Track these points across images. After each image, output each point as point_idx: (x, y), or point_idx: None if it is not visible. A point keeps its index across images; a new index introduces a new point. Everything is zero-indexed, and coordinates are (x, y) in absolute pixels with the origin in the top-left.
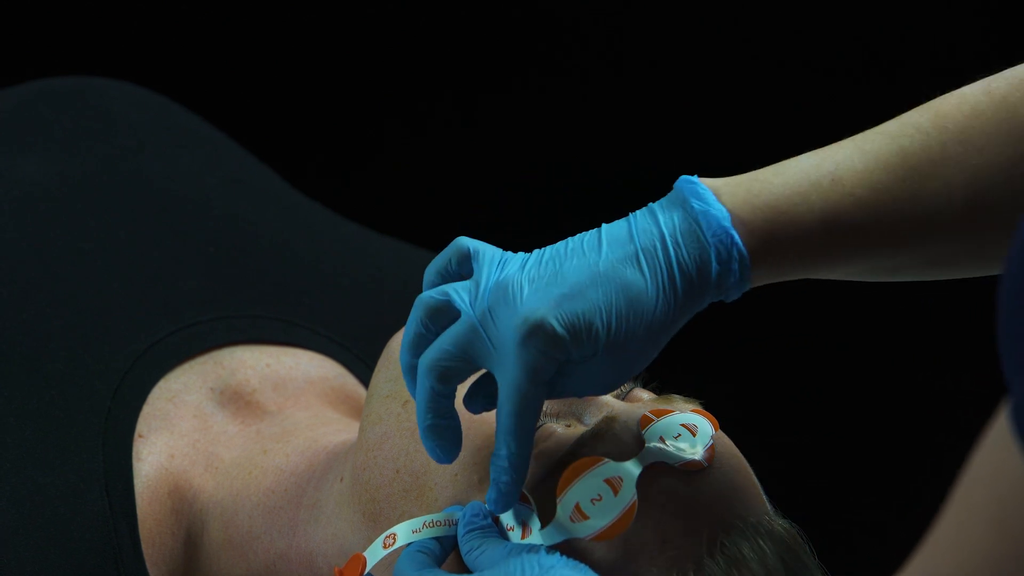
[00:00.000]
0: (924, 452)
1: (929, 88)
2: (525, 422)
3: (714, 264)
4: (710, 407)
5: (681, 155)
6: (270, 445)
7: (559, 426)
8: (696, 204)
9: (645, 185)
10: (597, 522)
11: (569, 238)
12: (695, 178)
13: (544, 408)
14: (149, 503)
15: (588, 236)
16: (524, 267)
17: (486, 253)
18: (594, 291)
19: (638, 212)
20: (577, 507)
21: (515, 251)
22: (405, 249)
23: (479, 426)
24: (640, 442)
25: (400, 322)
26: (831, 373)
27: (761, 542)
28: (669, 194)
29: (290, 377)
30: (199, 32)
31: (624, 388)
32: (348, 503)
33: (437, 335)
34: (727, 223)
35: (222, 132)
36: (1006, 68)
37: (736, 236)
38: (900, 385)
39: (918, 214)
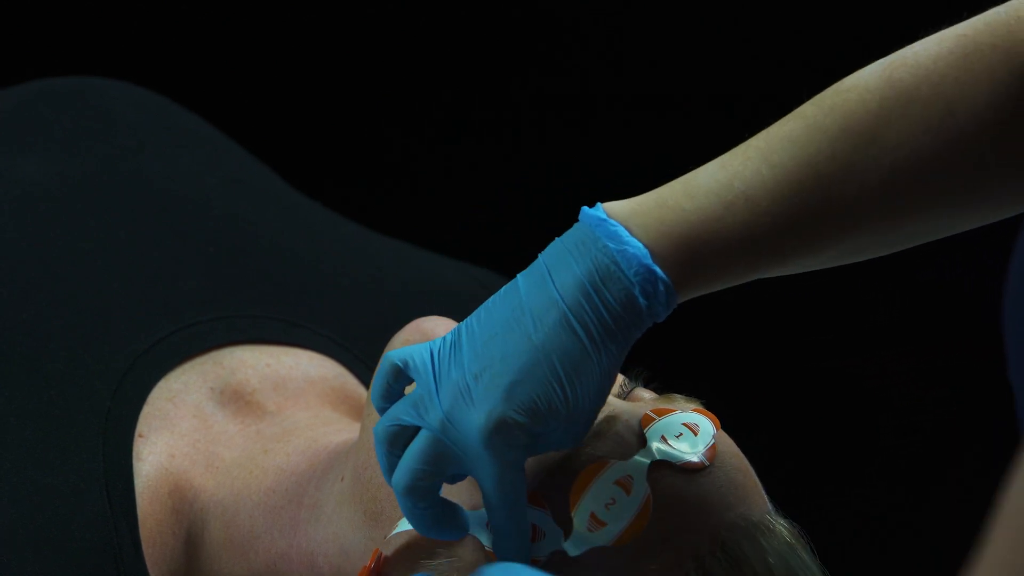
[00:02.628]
0: (925, 452)
1: None
2: (518, 504)
3: (641, 300)
4: (711, 406)
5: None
6: (271, 445)
7: None
8: (612, 245)
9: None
10: (616, 526)
11: (488, 302)
12: (601, 210)
13: None
14: (149, 503)
15: (509, 300)
16: (461, 360)
17: (416, 360)
18: (539, 369)
19: (549, 257)
20: (593, 516)
21: (516, 250)
22: (405, 249)
23: None
24: (642, 441)
25: (400, 322)
26: (832, 373)
27: (762, 541)
28: (576, 231)
29: (290, 377)
30: (199, 32)
31: (626, 387)
32: (349, 502)
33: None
34: (647, 260)
35: (222, 132)
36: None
37: (658, 270)
38: (902, 385)
39: (835, 220)
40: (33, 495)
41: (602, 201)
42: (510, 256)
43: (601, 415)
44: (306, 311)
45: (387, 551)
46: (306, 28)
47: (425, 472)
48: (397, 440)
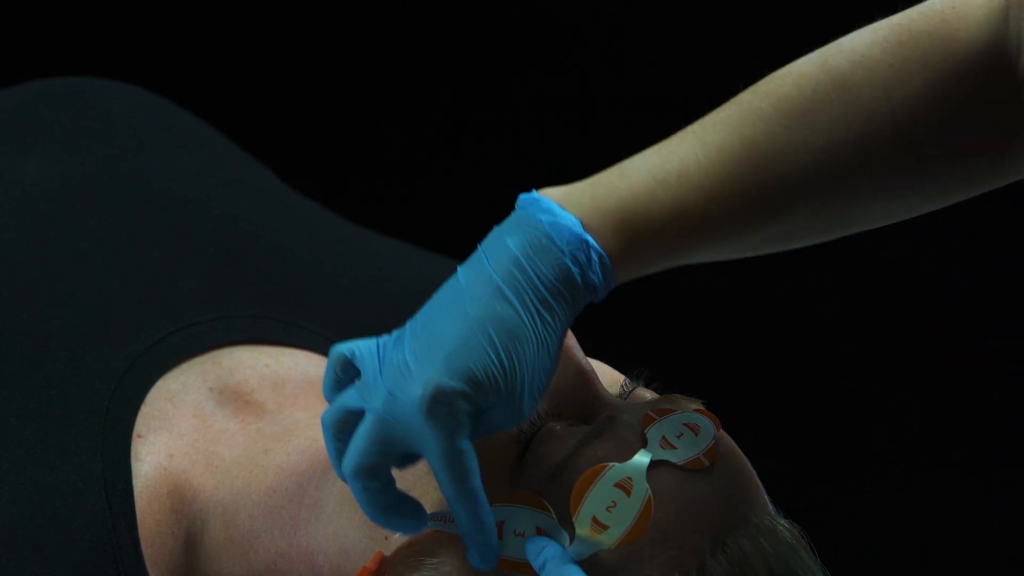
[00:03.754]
0: (926, 452)
1: None
2: (469, 482)
3: (575, 270)
4: (712, 407)
5: None
6: (271, 444)
7: (561, 426)
8: (543, 218)
9: None
10: (618, 529)
11: (434, 295)
12: (535, 193)
13: (546, 408)
14: (148, 503)
15: (449, 286)
16: (403, 344)
17: (362, 350)
18: (474, 338)
19: (486, 242)
20: (595, 520)
21: None
22: (405, 249)
23: None
24: (643, 441)
25: (400, 322)
26: (833, 373)
27: (763, 542)
28: (512, 215)
29: (289, 377)
30: (199, 33)
31: (626, 388)
32: (350, 502)
33: None
34: (578, 229)
35: (222, 133)
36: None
37: (591, 240)
38: (902, 385)
39: (768, 199)
40: (33, 495)
41: None
42: None
43: (601, 415)
44: (306, 311)
45: (388, 551)
46: (305, 28)
47: (372, 452)
48: (345, 427)
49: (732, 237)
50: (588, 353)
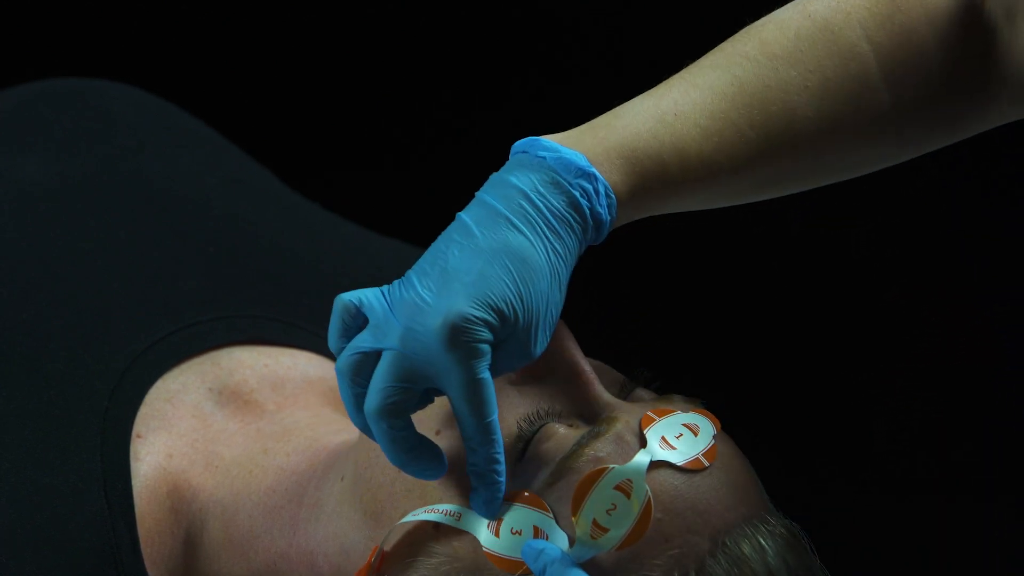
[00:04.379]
0: (926, 452)
1: None
2: (488, 415)
3: (583, 203)
4: (712, 407)
5: None
6: (270, 444)
7: (561, 426)
8: (547, 155)
9: None
10: (618, 531)
11: (432, 245)
12: (533, 138)
13: (545, 407)
14: (148, 503)
15: (453, 229)
16: (412, 284)
17: (368, 296)
18: (490, 268)
19: (485, 187)
20: (595, 523)
21: None
22: (405, 249)
23: None
24: (642, 442)
25: None
26: (833, 373)
27: (762, 541)
28: (510, 161)
29: (288, 377)
30: (199, 33)
31: (626, 388)
32: (349, 502)
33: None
34: (584, 162)
35: (221, 133)
36: None
37: (596, 172)
38: (903, 384)
39: (760, 138)
40: (32, 495)
41: None
42: None
43: (601, 416)
44: (305, 311)
45: (387, 547)
46: (305, 29)
47: (395, 388)
48: (361, 370)
49: (727, 175)
50: (588, 353)
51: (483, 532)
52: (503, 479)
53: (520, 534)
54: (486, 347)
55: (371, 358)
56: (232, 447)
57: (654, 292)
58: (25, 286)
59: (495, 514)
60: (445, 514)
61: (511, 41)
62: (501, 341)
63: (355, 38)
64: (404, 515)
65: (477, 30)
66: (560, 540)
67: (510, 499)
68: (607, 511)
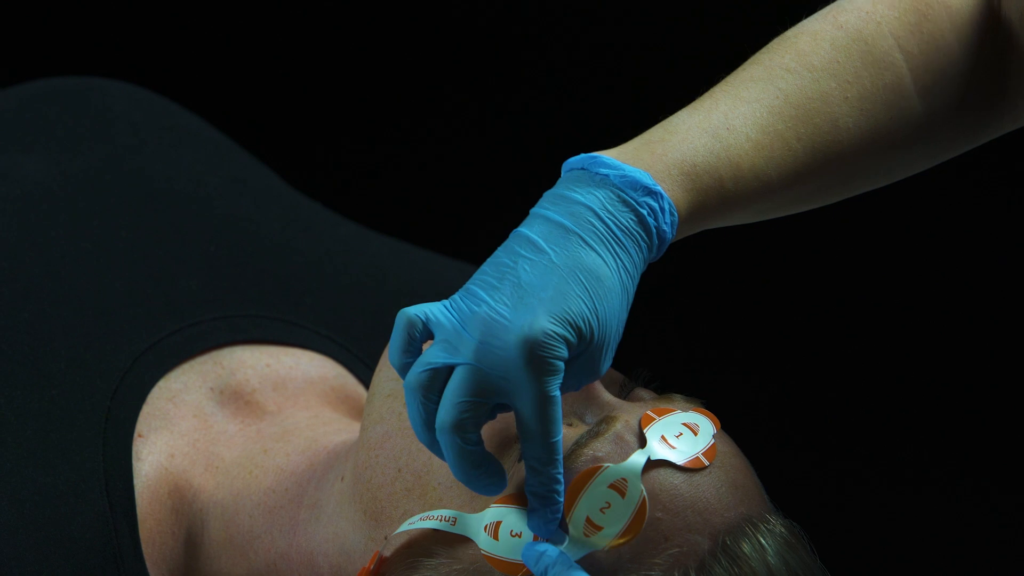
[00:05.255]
0: (926, 451)
1: None
2: (554, 434)
3: (650, 221)
4: (712, 406)
5: None
6: (271, 444)
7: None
8: (611, 173)
9: None
10: (611, 530)
11: (492, 259)
12: (591, 155)
13: None
14: (149, 503)
15: (517, 244)
16: (480, 299)
17: (434, 311)
18: (566, 285)
19: (545, 202)
20: (588, 521)
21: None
22: (405, 249)
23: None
24: (641, 441)
25: None
26: (833, 373)
27: (762, 541)
28: (567, 177)
29: (290, 377)
30: (199, 33)
31: (626, 387)
32: (349, 502)
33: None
34: (648, 180)
35: (222, 133)
36: None
37: (660, 189)
38: (902, 384)
39: (807, 150)
40: (34, 495)
41: None
42: None
43: (601, 415)
44: (307, 311)
45: (386, 552)
46: (306, 28)
47: (469, 404)
48: (432, 385)
49: (777, 189)
50: None
51: (481, 536)
52: (563, 500)
53: (519, 536)
54: (561, 364)
55: (442, 374)
56: (233, 448)
57: (654, 292)
58: (26, 285)
59: (551, 534)
60: (441, 520)
61: (511, 39)
62: (573, 359)
63: (356, 38)
64: (404, 515)
65: (476, 28)
66: (558, 539)
67: (508, 501)
68: (601, 509)
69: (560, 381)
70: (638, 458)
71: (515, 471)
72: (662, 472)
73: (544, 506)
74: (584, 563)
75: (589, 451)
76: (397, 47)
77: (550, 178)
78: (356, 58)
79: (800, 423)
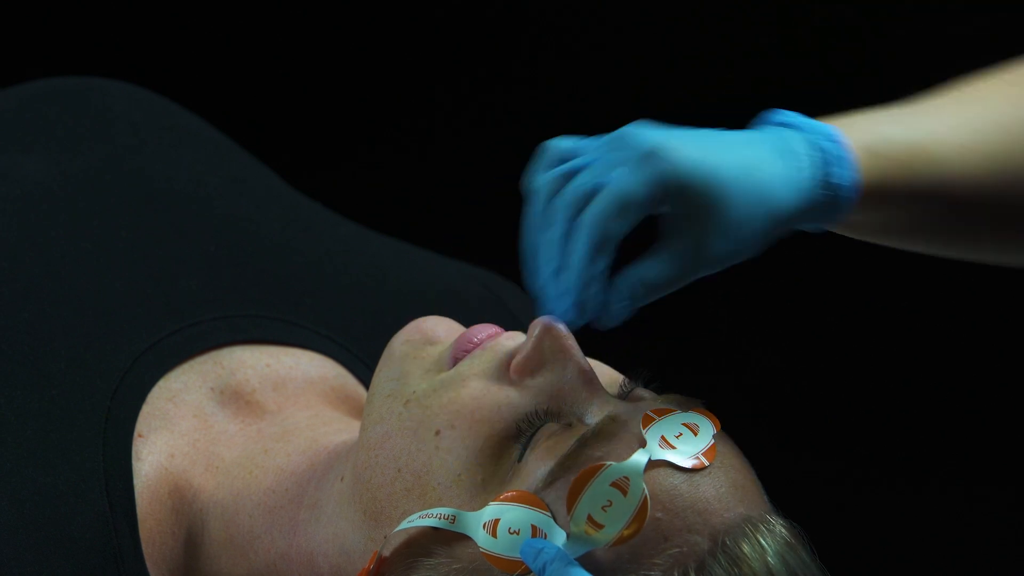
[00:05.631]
0: (926, 451)
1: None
2: (611, 228)
3: (840, 172)
4: (712, 407)
5: None
6: (271, 444)
7: (560, 426)
8: (823, 138)
9: None
10: (613, 528)
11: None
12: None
13: (544, 407)
14: (149, 503)
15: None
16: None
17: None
18: (728, 153)
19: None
20: (590, 519)
21: (516, 249)
22: (405, 249)
23: (479, 425)
24: (641, 441)
25: (400, 322)
26: (833, 373)
27: (762, 541)
28: (787, 129)
29: (290, 377)
30: (199, 33)
31: (626, 387)
32: (349, 502)
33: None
34: (837, 133)
35: (222, 132)
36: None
37: (852, 156)
38: (902, 385)
39: (1010, 164)
40: (34, 495)
41: None
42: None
43: (601, 414)
44: (307, 311)
45: (386, 552)
46: (305, 28)
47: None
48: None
49: (962, 196)
50: (588, 353)
51: (480, 534)
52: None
53: (518, 534)
54: (663, 190)
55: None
56: (232, 448)
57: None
58: (26, 285)
59: (581, 320)
60: (440, 518)
61: (509, 38)
62: (683, 219)
63: (355, 38)
64: (403, 515)
65: (475, 27)
66: (558, 539)
67: (508, 499)
68: (602, 507)
69: (657, 196)
70: (639, 457)
71: (515, 471)
72: (662, 472)
73: (580, 278)
74: (582, 562)
75: (589, 451)
76: (397, 47)
77: None
78: (356, 58)
79: (800, 423)
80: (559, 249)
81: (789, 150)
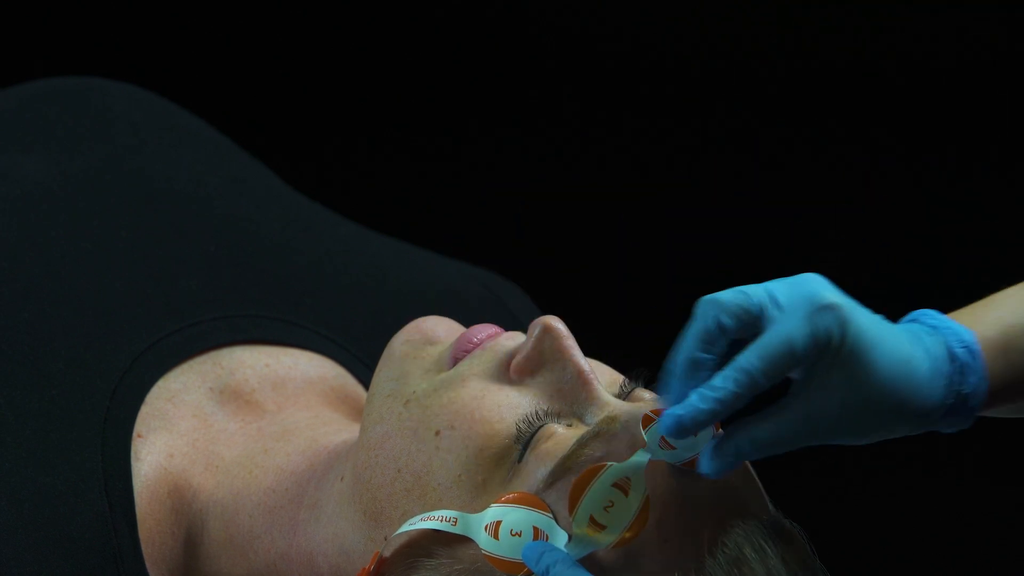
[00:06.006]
0: (926, 452)
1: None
2: (767, 369)
3: (973, 381)
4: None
5: (680, 154)
6: (271, 444)
7: (560, 426)
8: (938, 324)
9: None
10: (615, 528)
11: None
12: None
13: (544, 408)
14: (148, 503)
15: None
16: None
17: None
18: (891, 336)
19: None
20: (592, 520)
21: (516, 251)
22: (405, 249)
23: (479, 425)
24: (642, 441)
25: (400, 322)
26: None
27: (762, 542)
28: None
29: (289, 377)
30: (199, 33)
31: (625, 388)
32: (349, 502)
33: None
34: (971, 337)
35: (222, 133)
36: None
37: (979, 348)
38: None
39: None
40: (33, 495)
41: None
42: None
43: (601, 415)
44: (306, 311)
45: (386, 552)
46: (306, 29)
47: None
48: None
49: None
50: (588, 353)
51: (481, 535)
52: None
53: (520, 535)
54: (827, 343)
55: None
56: (232, 447)
57: (654, 292)
58: (26, 285)
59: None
60: (442, 520)
61: (510, 41)
62: (824, 375)
63: (355, 38)
64: (403, 515)
65: (475, 32)
66: (560, 540)
67: (509, 500)
68: (604, 508)
69: (819, 347)
70: (640, 458)
71: (515, 471)
72: (662, 473)
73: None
74: (584, 563)
75: (589, 451)
76: (397, 47)
77: (550, 178)
78: (356, 58)
79: None
80: (700, 344)
81: (935, 354)
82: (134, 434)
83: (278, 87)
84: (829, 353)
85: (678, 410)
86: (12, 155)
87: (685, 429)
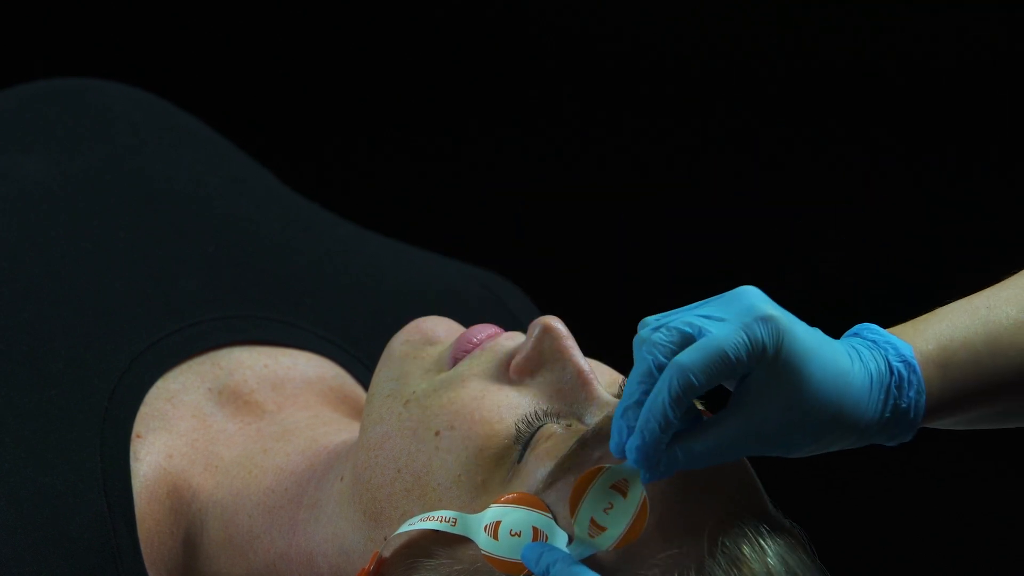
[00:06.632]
0: (926, 452)
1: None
2: (703, 368)
3: (910, 395)
4: (712, 407)
5: (681, 154)
6: (270, 444)
7: (559, 426)
8: (878, 338)
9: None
10: (615, 530)
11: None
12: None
13: (544, 408)
14: (148, 503)
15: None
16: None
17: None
18: (827, 346)
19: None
20: (593, 522)
21: (515, 251)
22: (404, 249)
23: (479, 425)
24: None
25: (400, 322)
26: None
27: (762, 542)
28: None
29: (288, 377)
30: (199, 33)
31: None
32: (349, 503)
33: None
34: (909, 352)
35: (222, 134)
36: None
37: (917, 364)
38: None
39: None
40: (32, 495)
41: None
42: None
43: (600, 415)
44: (306, 311)
45: (386, 552)
46: (306, 30)
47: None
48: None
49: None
50: (588, 353)
51: (481, 536)
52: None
53: (519, 536)
54: (761, 353)
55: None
56: (232, 447)
57: (654, 292)
58: (26, 285)
59: (653, 473)
60: (441, 520)
61: (509, 42)
62: (763, 386)
63: (355, 38)
64: (403, 516)
65: (475, 32)
66: (560, 540)
67: (509, 501)
68: (604, 509)
69: (751, 360)
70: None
71: (514, 472)
72: None
73: (650, 420)
74: (584, 563)
75: (589, 451)
76: (397, 47)
77: (550, 178)
78: (355, 58)
79: None
80: (640, 385)
81: (873, 368)
82: (133, 434)
83: (278, 87)
84: (764, 363)
85: (635, 441)
86: (12, 155)
87: (652, 452)
